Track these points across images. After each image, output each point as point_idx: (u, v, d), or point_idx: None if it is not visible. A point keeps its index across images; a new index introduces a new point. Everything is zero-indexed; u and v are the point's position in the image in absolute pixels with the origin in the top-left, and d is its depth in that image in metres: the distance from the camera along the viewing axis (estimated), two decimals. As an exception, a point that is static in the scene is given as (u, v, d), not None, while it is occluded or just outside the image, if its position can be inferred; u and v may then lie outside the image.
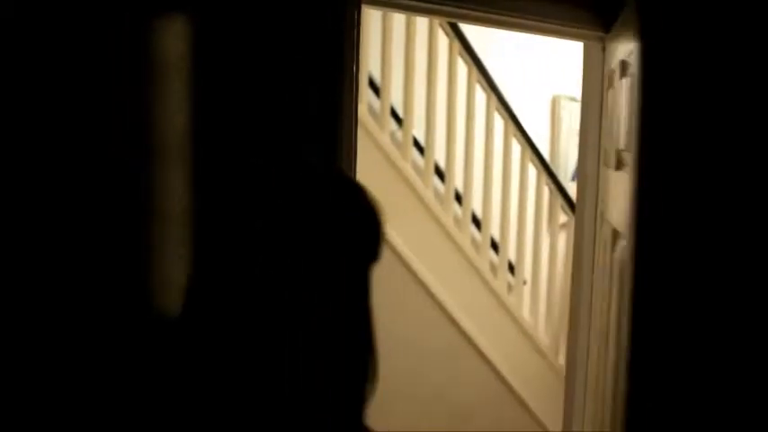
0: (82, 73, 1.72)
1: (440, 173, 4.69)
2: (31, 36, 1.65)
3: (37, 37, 1.66)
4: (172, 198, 1.93)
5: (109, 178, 1.79)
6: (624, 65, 2.47)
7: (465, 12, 2.72)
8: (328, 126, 2.11)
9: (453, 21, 4.24)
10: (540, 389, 4.94)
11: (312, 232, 1.39)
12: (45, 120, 1.68)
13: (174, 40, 1.88)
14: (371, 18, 4.19)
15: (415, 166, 4.51)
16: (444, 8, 2.69)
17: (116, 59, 1.77)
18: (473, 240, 4.75)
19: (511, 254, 4.98)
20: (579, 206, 3.24)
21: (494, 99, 4.73)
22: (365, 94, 4.29)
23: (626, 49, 2.45)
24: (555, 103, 6.39)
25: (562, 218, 5.27)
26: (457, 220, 4.64)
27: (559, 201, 5.20)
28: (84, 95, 1.73)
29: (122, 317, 1.83)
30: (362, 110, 4.18)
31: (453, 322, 4.54)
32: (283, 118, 2.02)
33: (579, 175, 3.24)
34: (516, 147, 4.92)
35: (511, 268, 5.03)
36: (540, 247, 5.05)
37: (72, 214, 1.74)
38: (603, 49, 3.02)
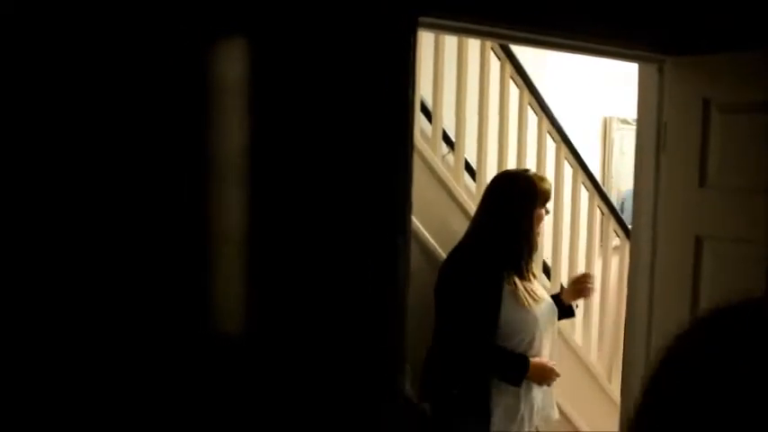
0: (144, 97, 1.75)
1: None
2: (96, 60, 1.69)
3: (100, 60, 1.69)
4: (228, 219, 1.95)
5: (168, 198, 1.81)
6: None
7: (518, 34, 2.71)
8: (385, 149, 2.12)
9: (507, 43, 4.24)
10: (592, 413, 4.87)
11: None
12: (109, 142, 1.71)
13: (234, 65, 1.90)
14: (422, 41, 4.20)
15: (467, 189, 4.49)
16: (498, 30, 2.68)
17: (183, 85, 1.79)
18: (525, 263, 4.71)
19: (563, 278, 4.92)
20: (635, 229, 3.20)
21: (545, 121, 4.70)
22: (417, 117, 4.29)
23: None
24: (606, 125, 6.34)
25: (615, 241, 5.20)
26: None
27: (612, 223, 5.14)
28: (147, 120, 1.75)
29: (180, 333, 1.84)
30: (414, 133, 4.17)
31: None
32: (340, 142, 2.03)
33: (635, 196, 3.20)
34: (568, 169, 4.88)
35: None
36: (592, 271, 4.99)
37: (128, 231, 1.76)
38: (660, 70, 3.00)
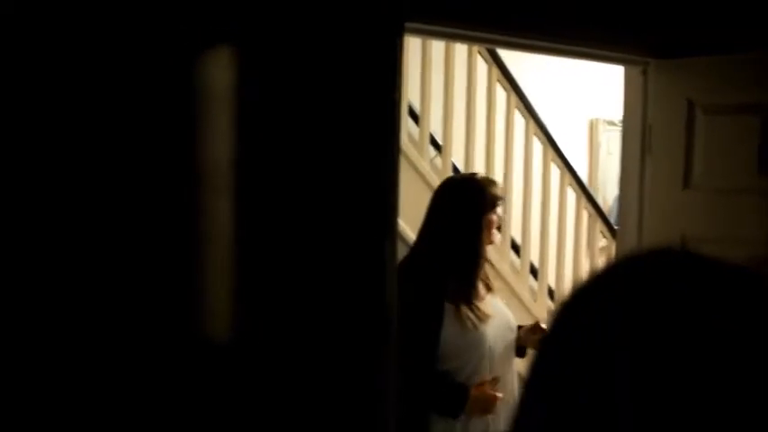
0: (134, 104, 1.76)
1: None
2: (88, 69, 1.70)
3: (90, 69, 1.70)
4: (216, 225, 1.95)
5: (158, 206, 1.82)
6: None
7: (503, 38, 2.74)
8: (371, 153, 2.13)
9: (492, 47, 4.26)
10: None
11: None
12: (101, 146, 1.72)
13: (221, 72, 1.91)
14: (410, 45, 4.22)
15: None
16: (484, 35, 2.70)
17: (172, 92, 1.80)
18: (512, 266, 4.73)
19: (551, 279, 4.95)
20: (621, 230, 3.23)
21: (532, 124, 4.73)
22: (405, 121, 4.30)
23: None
24: (593, 127, 6.38)
25: (602, 242, 5.23)
26: (496, 246, 4.62)
27: (599, 225, 5.17)
28: (135, 126, 1.76)
29: (169, 338, 1.85)
30: (402, 137, 4.19)
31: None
32: (326, 147, 2.04)
33: (621, 197, 3.23)
34: (555, 171, 4.90)
35: (551, 294, 5.00)
36: (579, 272, 5.01)
37: (117, 235, 1.77)
38: (644, 72, 3.02)
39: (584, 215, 5.10)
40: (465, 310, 2.60)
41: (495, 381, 2.63)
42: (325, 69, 2.02)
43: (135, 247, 1.78)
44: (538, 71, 5.40)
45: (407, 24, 2.26)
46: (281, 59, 1.96)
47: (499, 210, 2.75)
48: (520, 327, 2.84)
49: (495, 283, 2.85)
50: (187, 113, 1.86)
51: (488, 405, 2.61)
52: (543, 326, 2.82)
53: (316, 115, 2.02)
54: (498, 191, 2.76)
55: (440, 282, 2.62)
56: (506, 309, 2.86)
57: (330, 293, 2.05)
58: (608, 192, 6.34)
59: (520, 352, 2.84)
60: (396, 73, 2.16)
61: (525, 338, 2.82)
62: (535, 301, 4.76)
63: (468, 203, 2.68)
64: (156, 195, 1.81)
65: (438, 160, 4.52)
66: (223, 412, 1.90)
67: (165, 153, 1.81)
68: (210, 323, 1.97)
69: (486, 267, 2.80)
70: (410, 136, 4.38)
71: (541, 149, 4.82)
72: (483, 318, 2.62)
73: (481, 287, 2.72)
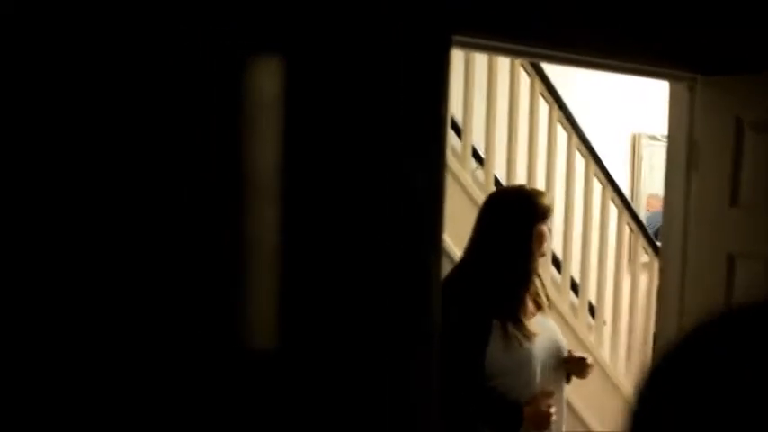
0: (179, 114, 1.78)
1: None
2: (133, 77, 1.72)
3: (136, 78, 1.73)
4: (261, 237, 1.97)
5: (204, 215, 1.84)
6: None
7: (550, 53, 2.73)
8: (417, 165, 2.14)
9: (538, 61, 4.25)
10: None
11: None
12: (144, 158, 1.74)
13: (265, 82, 1.93)
14: (453, 57, 4.23)
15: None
16: (530, 49, 2.71)
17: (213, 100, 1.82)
18: (553, 281, 4.71)
19: (591, 295, 4.91)
20: (665, 246, 3.20)
21: (575, 138, 4.71)
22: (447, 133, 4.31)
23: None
24: (635, 141, 6.33)
25: (643, 257, 5.19)
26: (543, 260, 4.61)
27: (641, 240, 5.13)
28: (181, 136, 1.78)
29: (213, 348, 1.87)
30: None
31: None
32: (372, 160, 2.05)
33: (665, 214, 3.20)
34: (597, 185, 4.87)
35: (591, 309, 4.97)
36: (620, 288, 4.97)
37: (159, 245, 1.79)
38: (691, 89, 3.00)
39: (626, 230, 5.06)
40: (511, 327, 2.53)
41: (548, 395, 2.56)
42: (372, 83, 2.03)
43: (178, 254, 1.80)
44: (581, 85, 5.38)
45: (455, 38, 2.26)
46: (329, 73, 1.97)
47: (549, 222, 2.68)
48: (567, 360, 2.72)
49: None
50: (235, 124, 1.88)
51: (543, 422, 2.54)
52: (583, 356, 2.73)
53: (362, 129, 2.03)
54: (549, 201, 2.69)
55: (488, 296, 2.56)
56: (556, 327, 2.77)
57: (374, 306, 2.06)
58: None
59: (566, 378, 2.77)
60: (443, 87, 2.16)
61: (571, 367, 2.73)
62: (576, 316, 4.73)
63: (518, 213, 2.62)
64: (202, 203, 1.83)
65: (480, 173, 4.52)
66: (262, 421, 1.91)
67: (209, 163, 1.83)
68: (253, 333, 1.98)
69: (538, 283, 2.71)
70: (452, 148, 4.38)
71: (584, 163, 4.79)
72: (529, 336, 2.55)
73: (530, 303, 2.64)
